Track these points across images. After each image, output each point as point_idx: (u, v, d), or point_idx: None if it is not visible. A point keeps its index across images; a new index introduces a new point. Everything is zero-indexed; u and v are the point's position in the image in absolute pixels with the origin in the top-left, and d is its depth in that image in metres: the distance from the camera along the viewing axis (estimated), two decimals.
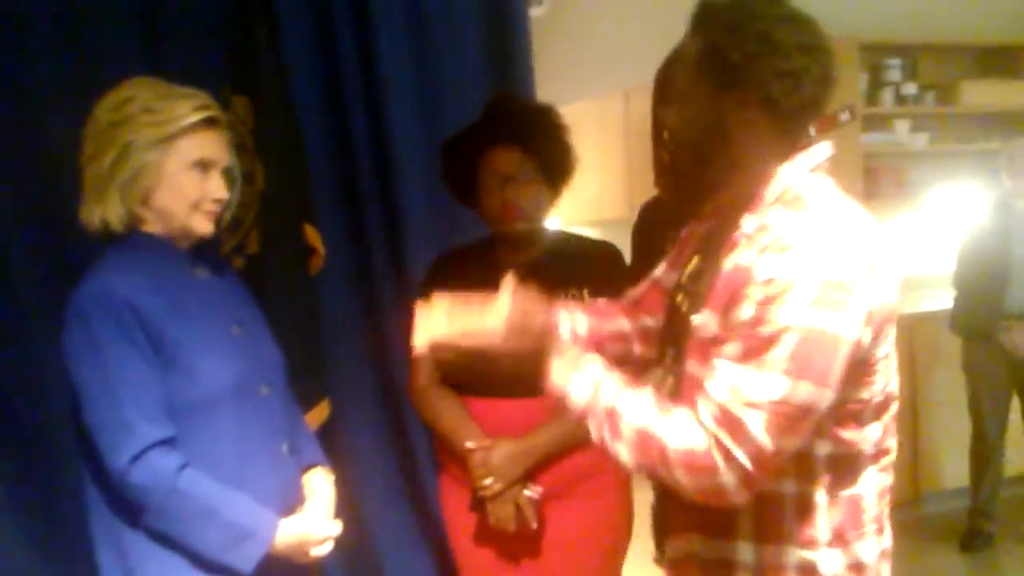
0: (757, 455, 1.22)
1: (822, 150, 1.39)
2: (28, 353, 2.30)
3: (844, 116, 4.55)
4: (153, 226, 1.70)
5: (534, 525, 2.10)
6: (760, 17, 1.33)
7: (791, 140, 1.37)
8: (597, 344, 1.61)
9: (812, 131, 1.44)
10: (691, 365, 1.39)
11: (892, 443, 1.41)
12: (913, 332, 4.58)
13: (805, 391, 1.22)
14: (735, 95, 1.34)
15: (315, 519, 1.79)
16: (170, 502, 1.58)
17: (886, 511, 1.41)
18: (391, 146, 2.73)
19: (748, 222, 1.34)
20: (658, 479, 1.31)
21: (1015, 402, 4.14)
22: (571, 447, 2.09)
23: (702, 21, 1.39)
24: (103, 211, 1.66)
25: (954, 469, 4.48)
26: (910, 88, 5.05)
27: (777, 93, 1.32)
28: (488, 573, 2.21)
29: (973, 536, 4.16)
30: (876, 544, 1.38)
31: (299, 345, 2.11)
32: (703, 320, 1.36)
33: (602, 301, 1.72)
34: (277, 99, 2.35)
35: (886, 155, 5.09)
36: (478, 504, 2.13)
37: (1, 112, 2.27)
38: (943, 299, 4.34)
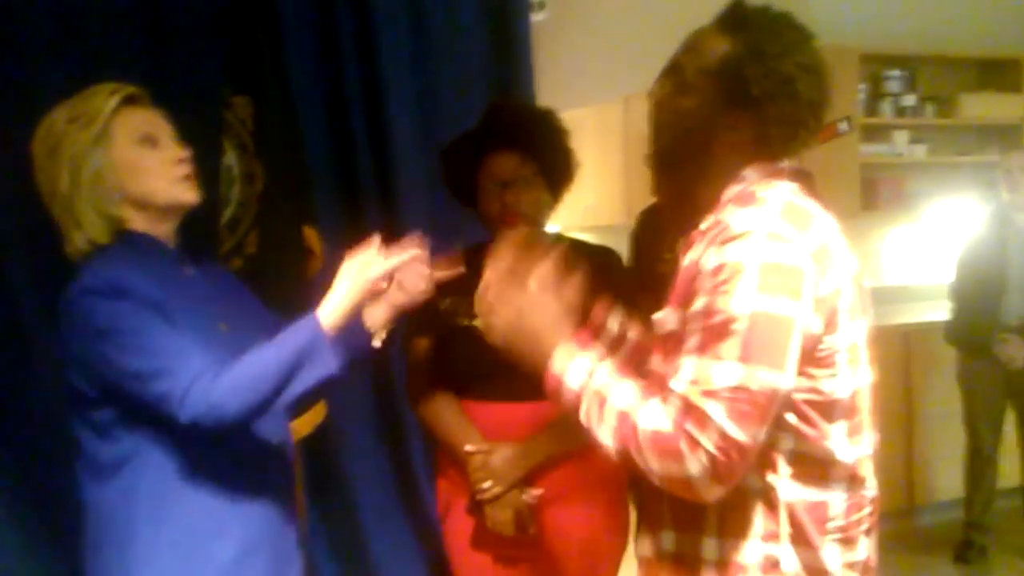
0: (723, 443, 1.21)
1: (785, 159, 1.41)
2: (27, 353, 2.30)
3: (843, 126, 4.56)
4: (139, 221, 1.68)
5: (532, 530, 2.09)
6: (790, 56, 1.34)
7: (767, 165, 1.40)
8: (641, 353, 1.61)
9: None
10: (654, 362, 1.41)
11: (865, 461, 1.39)
12: (909, 343, 4.59)
13: (762, 376, 1.22)
14: (733, 117, 1.37)
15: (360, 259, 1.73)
16: (225, 403, 1.52)
17: (863, 527, 1.40)
18: (391, 148, 2.73)
19: (706, 221, 1.36)
20: (634, 466, 1.30)
21: (1010, 414, 4.14)
22: (570, 452, 2.09)
23: (734, 24, 1.39)
24: (86, 232, 1.64)
25: (949, 480, 4.48)
26: (910, 99, 5.06)
27: (773, 134, 1.36)
28: None
29: (967, 548, 4.16)
30: (839, 554, 1.37)
31: None
32: (661, 316, 1.38)
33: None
34: (278, 100, 2.36)
35: (885, 166, 5.09)
36: (476, 508, 2.12)
37: (1, 112, 2.26)
38: (940, 310, 4.35)
